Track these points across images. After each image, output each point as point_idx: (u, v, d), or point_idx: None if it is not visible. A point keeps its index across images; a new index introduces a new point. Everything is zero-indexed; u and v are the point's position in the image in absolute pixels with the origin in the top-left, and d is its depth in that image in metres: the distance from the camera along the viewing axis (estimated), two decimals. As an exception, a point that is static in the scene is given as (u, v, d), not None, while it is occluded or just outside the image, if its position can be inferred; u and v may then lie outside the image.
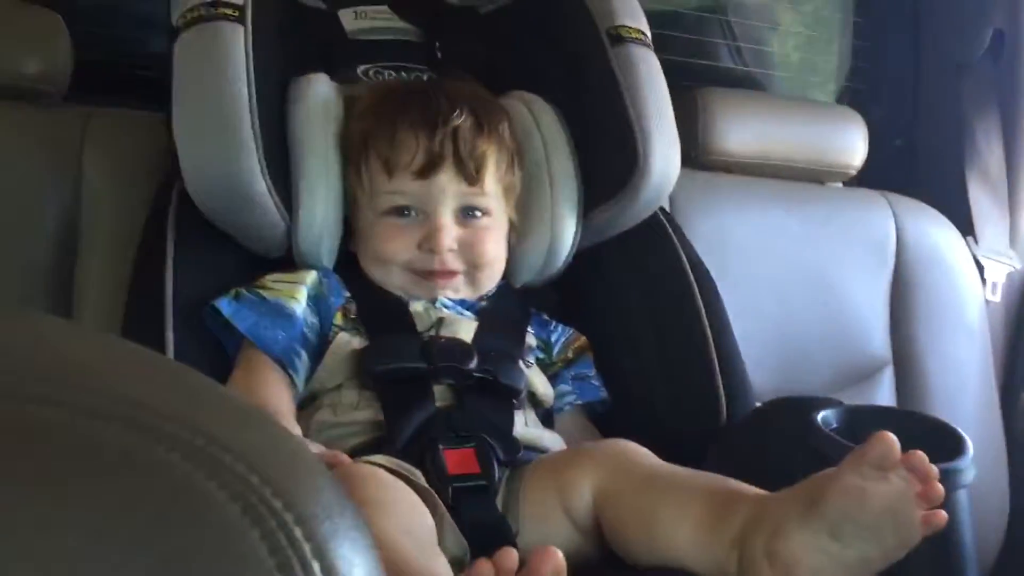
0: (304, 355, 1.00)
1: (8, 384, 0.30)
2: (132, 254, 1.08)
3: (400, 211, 1.04)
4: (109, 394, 0.32)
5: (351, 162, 1.07)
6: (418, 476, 0.88)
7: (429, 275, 1.04)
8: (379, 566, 0.33)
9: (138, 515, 0.30)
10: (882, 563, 0.72)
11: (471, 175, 1.04)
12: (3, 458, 0.29)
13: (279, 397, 0.97)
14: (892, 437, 0.70)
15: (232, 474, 0.31)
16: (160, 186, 1.11)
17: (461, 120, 1.04)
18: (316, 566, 0.30)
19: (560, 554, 0.62)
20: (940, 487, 0.71)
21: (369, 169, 1.05)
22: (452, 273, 1.05)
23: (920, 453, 0.70)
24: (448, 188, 1.03)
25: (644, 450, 0.90)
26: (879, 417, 0.93)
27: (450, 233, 1.03)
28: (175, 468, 0.31)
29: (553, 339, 1.12)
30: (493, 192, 1.06)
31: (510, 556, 0.61)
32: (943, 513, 0.71)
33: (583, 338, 1.14)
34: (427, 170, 1.03)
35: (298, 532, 0.31)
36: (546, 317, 1.14)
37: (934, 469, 0.71)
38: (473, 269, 1.05)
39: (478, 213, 1.05)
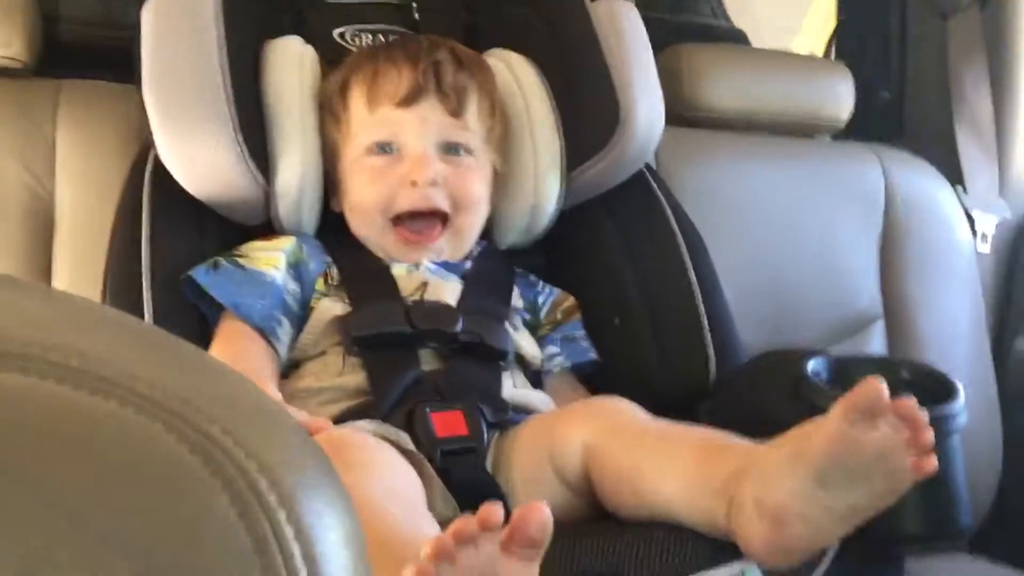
0: (286, 322, 0.98)
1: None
2: (108, 225, 1.07)
3: (382, 147, 1.03)
4: (57, 350, 0.31)
5: (330, 113, 1.06)
6: (405, 440, 0.87)
7: (415, 235, 1.03)
8: (353, 517, 0.32)
9: (92, 468, 0.28)
10: (872, 510, 0.71)
11: (454, 107, 1.03)
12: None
13: (260, 365, 0.95)
14: (880, 383, 0.68)
15: (192, 426, 0.30)
16: (135, 156, 1.09)
17: (442, 56, 1.05)
18: (282, 515, 0.29)
19: (547, 508, 0.61)
20: (930, 433, 0.70)
21: (348, 110, 1.04)
22: (435, 219, 1.03)
23: (909, 399, 0.69)
24: (430, 118, 1.02)
25: (633, 406, 0.89)
26: (869, 366, 0.93)
27: (432, 165, 1.02)
28: (130, 422, 0.29)
29: (540, 300, 1.11)
30: (476, 130, 1.05)
31: (495, 510, 0.60)
32: (933, 459, 0.70)
33: (571, 299, 1.13)
34: (409, 99, 1.02)
35: (262, 482, 0.30)
36: (533, 278, 1.13)
37: (924, 415, 0.70)
38: (456, 212, 1.04)
39: (461, 151, 1.04)
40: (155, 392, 0.30)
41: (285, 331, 0.98)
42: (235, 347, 0.95)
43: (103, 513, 0.28)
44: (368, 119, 1.03)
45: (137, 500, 0.28)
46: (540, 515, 0.60)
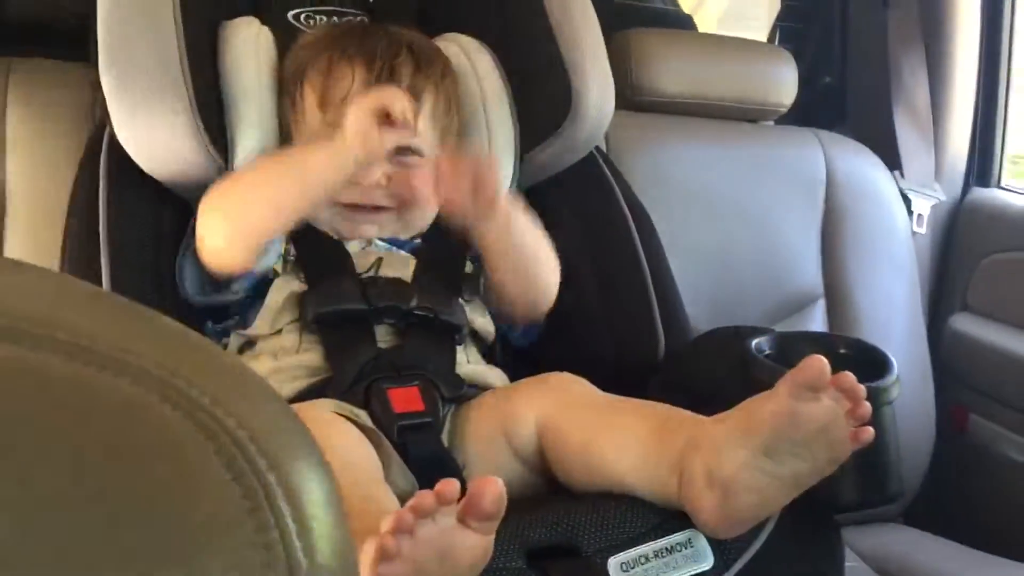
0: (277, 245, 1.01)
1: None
2: (61, 205, 1.06)
3: None
4: (48, 324, 0.32)
5: (286, 97, 1.06)
6: (363, 417, 0.89)
7: (354, 208, 1.03)
8: (333, 480, 0.34)
9: (94, 436, 0.30)
10: (814, 478, 0.75)
11: None
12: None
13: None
14: (823, 360, 0.72)
15: (185, 397, 0.32)
16: (90, 135, 1.09)
17: (400, 58, 1.04)
18: (272, 477, 0.31)
19: (500, 482, 0.64)
20: (868, 405, 0.74)
21: (303, 102, 1.04)
22: (377, 208, 1.04)
23: (849, 374, 0.73)
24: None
25: (586, 383, 0.92)
26: (810, 342, 0.97)
27: (379, 168, 1.02)
28: (124, 392, 0.31)
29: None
30: (426, 133, 1.06)
31: (451, 485, 0.63)
32: (870, 429, 0.74)
33: None
34: None
35: (252, 448, 0.32)
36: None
37: (862, 389, 0.74)
38: (402, 207, 1.05)
39: (409, 151, 1.04)
40: (149, 364, 0.32)
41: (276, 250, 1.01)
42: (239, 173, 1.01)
43: (103, 478, 0.30)
44: (319, 116, 1.03)
45: (136, 466, 0.30)
46: (495, 489, 0.64)
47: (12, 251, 1.15)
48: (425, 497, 0.63)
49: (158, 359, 0.32)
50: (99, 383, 0.31)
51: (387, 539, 0.62)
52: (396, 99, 0.94)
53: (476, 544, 0.65)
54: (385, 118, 0.93)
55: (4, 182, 1.17)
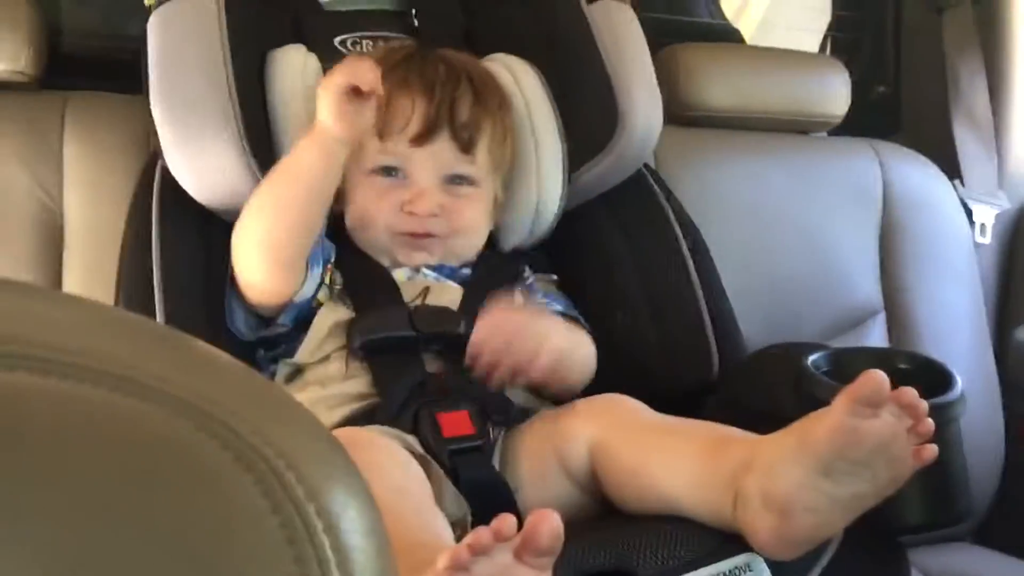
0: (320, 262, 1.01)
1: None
2: (117, 235, 1.08)
3: (387, 171, 1.04)
4: (92, 355, 0.32)
5: None
6: (413, 442, 0.89)
7: (409, 235, 1.04)
8: (375, 509, 0.34)
9: (131, 467, 0.30)
10: (875, 499, 0.73)
11: (465, 144, 1.04)
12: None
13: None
14: (881, 374, 0.70)
15: (223, 425, 0.31)
16: (143, 166, 1.11)
17: (460, 89, 1.04)
18: (311, 508, 0.31)
19: (557, 516, 0.63)
20: (930, 422, 0.72)
21: None
22: (429, 235, 1.04)
23: (910, 389, 0.71)
24: (440, 155, 1.03)
25: (638, 403, 0.91)
26: (868, 357, 0.94)
27: (433, 198, 1.03)
28: (164, 423, 0.31)
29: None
30: (483, 163, 1.06)
31: (508, 521, 0.62)
32: (933, 447, 0.72)
33: (547, 278, 1.13)
34: (422, 137, 1.03)
35: (291, 477, 0.31)
36: (527, 272, 1.13)
37: (924, 404, 0.71)
38: (450, 237, 1.05)
39: (464, 182, 1.05)
40: (187, 394, 0.31)
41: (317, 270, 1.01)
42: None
43: (143, 510, 0.29)
44: (378, 146, 1.03)
45: (175, 497, 0.30)
46: (552, 523, 0.62)
47: (71, 284, 1.17)
48: (482, 534, 0.63)
49: (197, 389, 0.32)
50: (140, 414, 0.31)
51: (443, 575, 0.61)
52: (361, 71, 0.93)
53: None
54: (355, 93, 0.93)
55: (63, 216, 1.20)
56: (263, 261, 0.97)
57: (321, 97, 0.94)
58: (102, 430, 0.31)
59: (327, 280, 1.02)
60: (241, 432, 0.31)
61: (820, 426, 0.72)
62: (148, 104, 1.03)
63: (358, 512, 0.33)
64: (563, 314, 1.06)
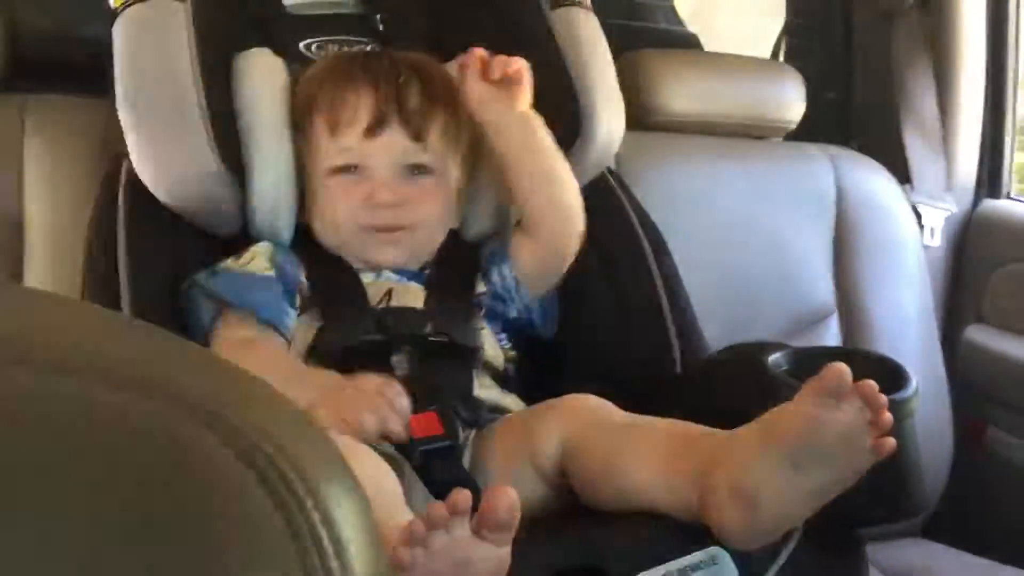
0: (291, 312, 1.00)
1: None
2: (81, 239, 1.07)
3: (345, 169, 1.04)
4: (96, 355, 0.33)
5: (297, 127, 1.07)
6: (384, 444, 0.90)
7: (373, 230, 1.04)
8: (367, 504, 0.35)
9: (130, 468, 0.31)
10: (836, 489, 0.75)
11: (416, 131, 1.04)
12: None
13: (287, 361, 0.97)
14: (844, 367, 0.73)
15: (226, 424, 0.32)
16: (107, 170, 1.10)
17: (403, 79, 1.05)
18: (310, 503, 0.32)
19: (513, 491, 0.64)
20: (889, 415, 0.74)
21: (313, 130, 1.05)
22: (392, 228, 1.04)
23: (870, 382, 0.74)
24: (393, 145, 1.03)
25: (607, 403, 0.92)
26: (827, 357, 0.96)
27: (392, 190, 1.03)
28: (167, 421, 0.32)
29: (495, 279, 1.10)
30: (439, 151, 1.06)
31: (463, 495, 0.64)
32: (892, 440, 0.74)
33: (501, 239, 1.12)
34: (372, 129, 1.03)
35: (292, 474, 0.32)
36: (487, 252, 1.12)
37: (884, 398, 0.74)
38: (414, 228, 1.05)
39: (422, 171, 1.05)
40: (190, 393, 0.32)
41: (291, 319, 1.00)
42: (247, 344, 0.96)
43: (147, 505, 0.30)
44: (331, 144, 1.03)
45: (179, 491, 0.31)
46: (508, 498, 0.64)
47: (31, 285, 1.16)
48: (437, 507, 0.64)
49: (199, 388, 0.33)
50: (143, 412, 0.32)
51: (401, 551, 0.63)
52: (389, 421, 0.86)
53: (491, 556, 0.66)
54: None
55: (22, 217, 1.19)
56: None
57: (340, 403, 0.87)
58: (107, 428, 0.31)
59: (300, 292, 1.02)
60: (242, 429, 0.32)
61: (785, 417, 0.74)
62: (109, 106, 1.03)
63: (353, 506, 0.34)
64: None
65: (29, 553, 0.28)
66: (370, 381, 0.89)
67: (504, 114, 1.04)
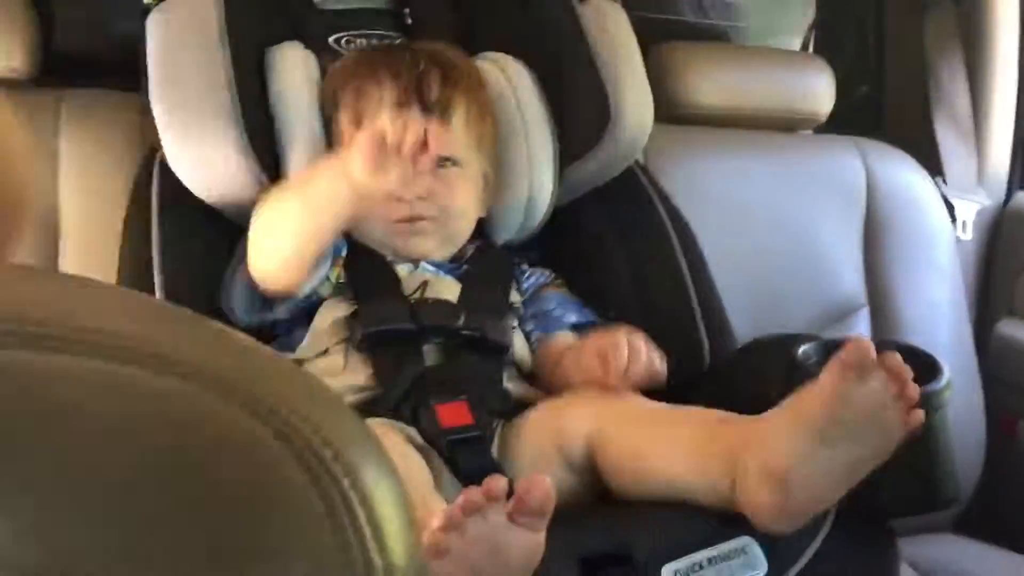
0: (329, 261, 1.01)
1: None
2: (115, 232, 1.09)
3: None
4: (135, 339, 0.34)
5: (328, 122, 1.08)
6: (413, 434, 0.90)
7: (402, 222, 1.04)
8: (401, 484, 0.35)
9: (166, 447, 0.31)
10: (868, 466, 0.75)
11: (439, 121, 1.04)
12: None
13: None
14: (867, 342, 0.73)
15: (264, 406, 0.33)
16: (140, 164, 1.12)
17: (423, 70, 1.05)
18: (346, 482, 0.32)
19: (548, 479, 0.65)
20: (915, 387, 0.74)
21: (339, 124, 1.06)
22: (422, 219, 1.05)
23: (894, 354, 0.74)
24: None
25: (635, 394, 0.92)
26: (858, 348, 0.96)
27: (420, 181, 1.02)
28: (204, 402, 0.33)
29: (525, 287, 1.12)
30: (463, 140, 1.07)
31: (499, 482, 0.65)
32: (920, 412, 0.74)
33: (554, 278, 1.13)
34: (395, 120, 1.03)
35: (328, 454, 0.33)
36: (524, 267, 1.14)
37: (908, 369, 0.74)
38: (444, 218, 1.06)
39: (448, 162, 1.06)
40: (228, 376, 0.33)
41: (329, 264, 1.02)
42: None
43: (187, 483, 0.31)
44: (356, 137, 1.03)
45: (218, 472, 0.31)
46: (543, 485, 0.65)
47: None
48: (473, 493, 0.65)
49: (237, 371, 0.33)
50: (181, 395, 0.32)
51: (438, 535, 0.63)
52: (409, 131, 0.90)
53: (527, 542, 0.66)
54: (395, 149, 0.90)
55: (58, 210, 1.20)
56: (279, 262, 0.97)
57: (360, 147, 0.90)
58: (143, 409, 0.32)
59: (331, 276, 1.03)
60: (280, 411, 0.33)
61: (812, 396, 0.74)
62: (143, 101, 1.04)
63: (389, 487, 0.34)
64: (578, 325, 1.08)
65: (66, 531, 0.29)
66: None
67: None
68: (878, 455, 0.75)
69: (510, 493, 0.66)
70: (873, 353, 0.73)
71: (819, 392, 0.74)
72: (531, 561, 0.67)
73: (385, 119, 0.95)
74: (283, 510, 0.31)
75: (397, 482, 0.35)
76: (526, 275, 1.13)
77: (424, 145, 0.89)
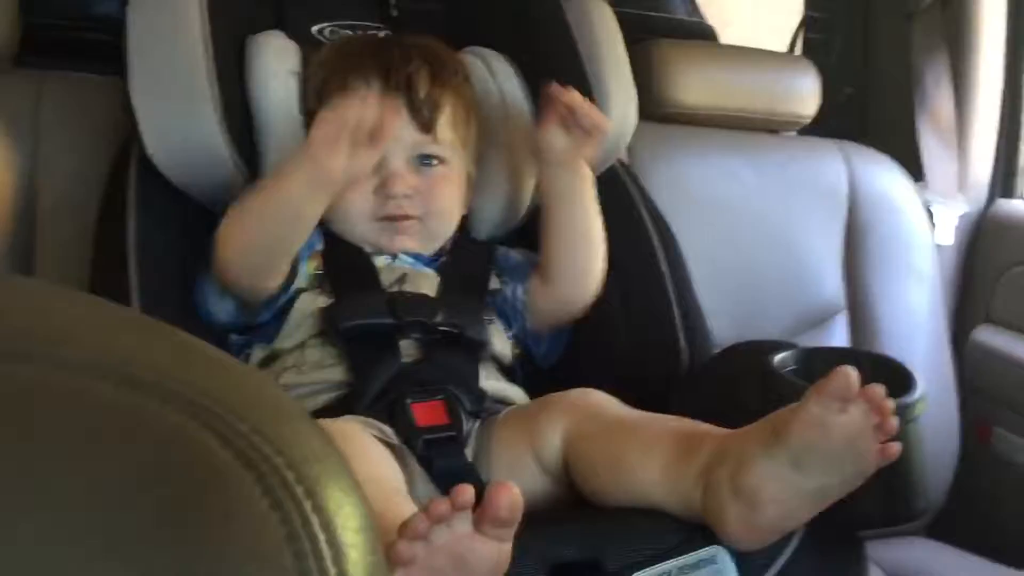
0: (304, 264, 1.01)
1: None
2: (92, 216, 1.08)
3: None
4: (99, 351, 0.33)
5: (309, 115, 1.07)
6: (388, 433, 0.90)
7: (387, 219, 1.04)
8: (366, 504, 0.35)
9: (131, 465, 0.31)
10: (839, 492, 0.75)
11: (426, 121, 1.04)
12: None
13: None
14: (852, 371, 0.73)
15: (224, 424, 0.32)
16: (119, 147, 1.10)
17: (413, 67, 1.05)
18: (308, 505, 0.32)
19: (515, 488, 0.64)
20: (895, 420, 0.74)
21: None
22: (407, 217, 1.05)
23: (878, 386, 0.74)
24: (403, 135, 1.03)
25: (611, 397, 0.92)
26: (834, 357, 0.96)
27: (404, 180, 1.03)
28: (167, 419, 0.32)
29: (505, 267, 1.12)
30: (448, 141, 1.06)
31: (466, 491, 0.64)
32: (897, 445, 0.74)
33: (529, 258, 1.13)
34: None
35: (290, 476, 0.32)
36: (505, 250, 1.14)
37: (890, 403, 0.74)
38: (427, 217, 1.05)
39: (433, 161, 1.05)
40: (190, 391, 0.32)
41: (304, 267, 1.02)
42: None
43: (144, 503, 0.30)
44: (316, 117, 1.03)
45: (176, 491, 0.31)
46: (510, 494, 0.64)
47: (43, 264, 1.17)
48: (440, 503, 0.64)
49: (200, 387, 0.33)
50: (145, 410, 0.32)
51: (402, 545, 0.63)
52: (366, 112, 0.91)
53: (493, 551, 0.66)
54: (358, 133, 0.91)
55: (36, 197, 1.19)
56: (247, 268, 0.97)
57: (318, 126, 0.92)
58: (106, 424, 0.31)
59: (307, 268, 1.02)
60: (241, 430, 0.32)
61: (792, 419, 0.74)
62: (123, 86, 1.03)
63: (352, 509, 0.34)
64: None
65: (29, 551, 0.28)
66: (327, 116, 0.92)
67: (567, 165, 1.04)
68: (851, 482, 0.75)
69: (479, 499, 0.65)
70: (857, 383, 0.73)
71: (798, 416, 0.74)
72: (497, 571, 0.66)
73: (346, 102, 0.95)
74: (242, 531, 0.31)
75: (363, 503, 0.35)
76: (505, 255, 1.13)
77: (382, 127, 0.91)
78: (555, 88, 1.02)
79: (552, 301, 1.08)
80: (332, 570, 0.32)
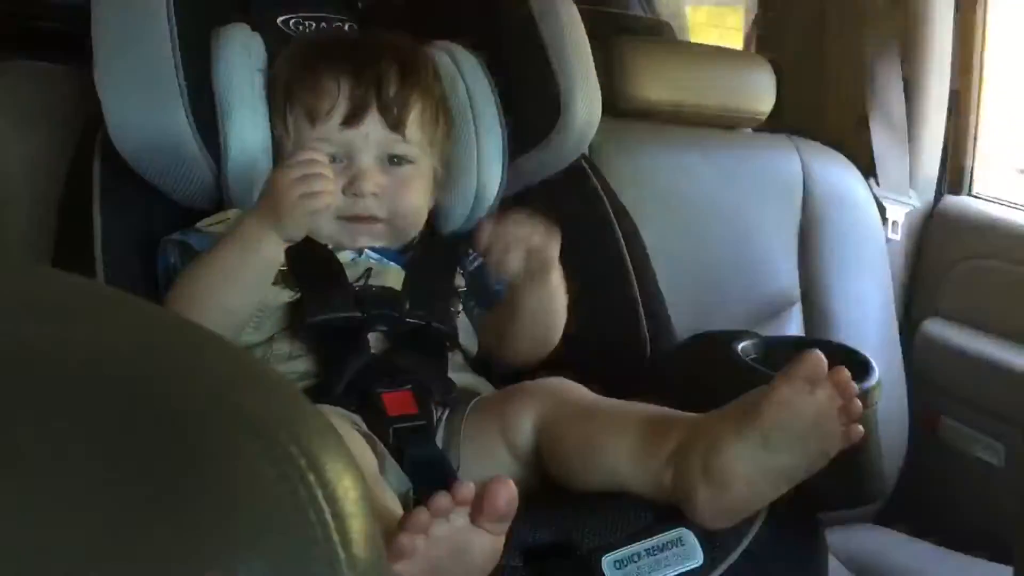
0: None
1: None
2: (45, 210, 1.06)
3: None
4: (113, 330, 0.34)
5: (275, 111, 1.06)
6: (359, 421, 0.91)
7: (352, 219, 1.04)
8: (363, 477, 0.36)
9: (142, 437, 0.32)
10: (805, 472, 0.78)
11: (395, 121, 1.04)
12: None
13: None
14: (821, 356, 0.76)
15: (230, 400, 0.33)
16: (80, 139, 1.09)
17: (384, 65, 1.05)
18: (312, 477, 0.33)
19: (512, 483, 0.66)
20: (859, 403, 0.77)
21: (293, 117, 1.05)
22: (374, 219, 1.05)
23: (844, 369, 0.77)
24: (372, 135, 1.03)
25: (579, 385, 0.94)
26: (794, 346, 0.99)
27: (372, 178, 1.03)
28: (179, 395, 0.33)
29: (471, 270, 1.12)
30: (417, 141, 1.07)
31: (467, 488, 0.66)
32: (860, 427, 0.77)
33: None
34: (351, 118, 1.03)
35: (294, 449, 0.33)
36: (471, 252, 1.13)
37: (855, 386, 0.77)
38: (393, 218, 1.06)
39: (401, 161, 1.06)
40: (199, 371, 0.33)
41: None
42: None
43: (160, 477, 0.31)
44: (310, 132, 1.03)
45: (188, 463, 0.31)
46: (508, 489, 0.66)
47: (2, 256, 1.15)
48: (441, 498, 0.66)
49: (208, 367, 0.34)
50: (157, 386, 0.33)
51: (404, 537, 0.65)
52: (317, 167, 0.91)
53: (488, 544, 0.68)
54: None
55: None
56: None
57: (273, 191, 0.91)
58: (119, 399, 0.32)
59: None
60: (247, 406, 0.33)
61: (762, 400, 0.77)
62: (86, 75, 1.02)
63: (351, 481, 0.35)
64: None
65: (42, 518, 0.29)
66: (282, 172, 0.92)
67: (529, 284, 0.99)
68: (816, 462, 0.78)
69: (447, 487, 0.67)
70: (825, 367, 0.76)
71: (768, 399, 0.77)
72: (491, 561, 0.69)
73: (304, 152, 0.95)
74: (251, 504, 0.32)
75: (360, 476, 0.36)
76: (471, 257, 1.13)
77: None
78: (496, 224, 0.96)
79: (502, 350, 1.08)
80: (336, 538, 0.33)
